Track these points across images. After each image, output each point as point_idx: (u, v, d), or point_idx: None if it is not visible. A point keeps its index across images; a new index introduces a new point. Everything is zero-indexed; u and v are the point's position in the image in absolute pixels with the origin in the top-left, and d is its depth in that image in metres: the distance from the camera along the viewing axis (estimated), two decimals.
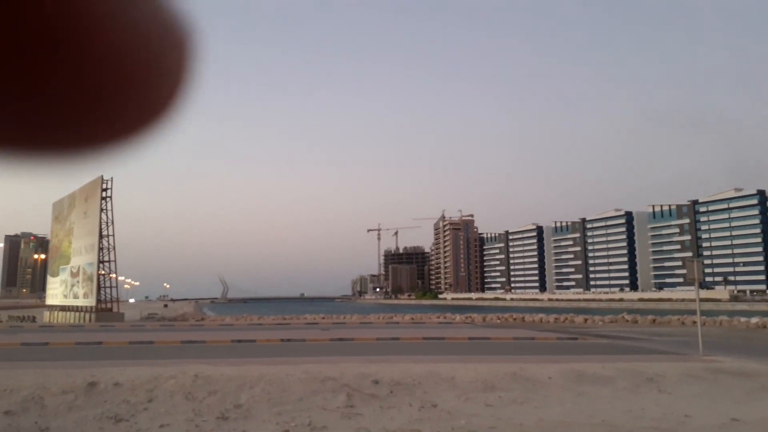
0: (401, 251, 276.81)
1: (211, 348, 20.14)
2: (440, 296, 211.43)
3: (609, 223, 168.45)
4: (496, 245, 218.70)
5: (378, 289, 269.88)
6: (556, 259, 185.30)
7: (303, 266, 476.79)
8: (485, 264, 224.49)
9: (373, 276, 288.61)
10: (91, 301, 42.94)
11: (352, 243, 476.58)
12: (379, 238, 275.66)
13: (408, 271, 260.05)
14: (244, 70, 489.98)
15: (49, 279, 57.11)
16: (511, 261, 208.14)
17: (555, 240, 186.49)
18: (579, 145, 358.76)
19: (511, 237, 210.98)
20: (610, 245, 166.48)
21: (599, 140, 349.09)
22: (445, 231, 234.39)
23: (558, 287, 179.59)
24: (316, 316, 45.57)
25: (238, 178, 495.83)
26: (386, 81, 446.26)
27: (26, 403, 7.92)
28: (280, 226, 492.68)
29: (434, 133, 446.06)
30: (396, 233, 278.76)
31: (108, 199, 44.50)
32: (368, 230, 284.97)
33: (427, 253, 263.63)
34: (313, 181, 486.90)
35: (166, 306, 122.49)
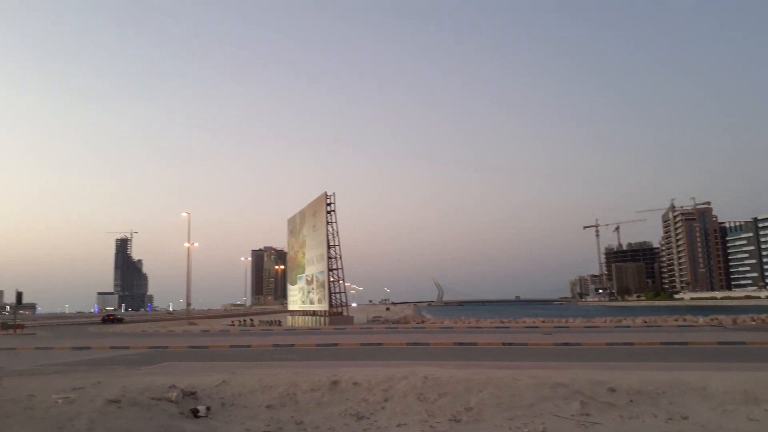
0: (624, 248, 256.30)
1: (435, 350, 20.69)
2: (675, 296, 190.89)
3: None
4: (743, 235, 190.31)
5: (601, 291, 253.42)
6: None
7: (516, 268, 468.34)
8: (730, 257, 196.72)
9: (594, 276, 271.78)
10: (324, 306, 47.36)
11: (567, 241, 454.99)
12: (597, 235, 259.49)
13: (634, 269, 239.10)
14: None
15: (289, 287, 64.53)
16: (764, 252, 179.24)
17: None
18: None
19: (761, 225, 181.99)
20: None
21: None
22: (676, 222, 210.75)
23: None
24: (536, 320, 44.28)
25: (447, 182, 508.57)
26: (610, 72, 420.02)
27: (283, 399, 8.90)
28: (491, 227, 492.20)
29: (655, 116, 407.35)
30: (617, 228, 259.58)
31: (332, 212, 48.81)
32: (584, 227, 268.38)
33: (656, 248, 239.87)
34: (522, 178, 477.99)
35: (388, 309, 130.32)
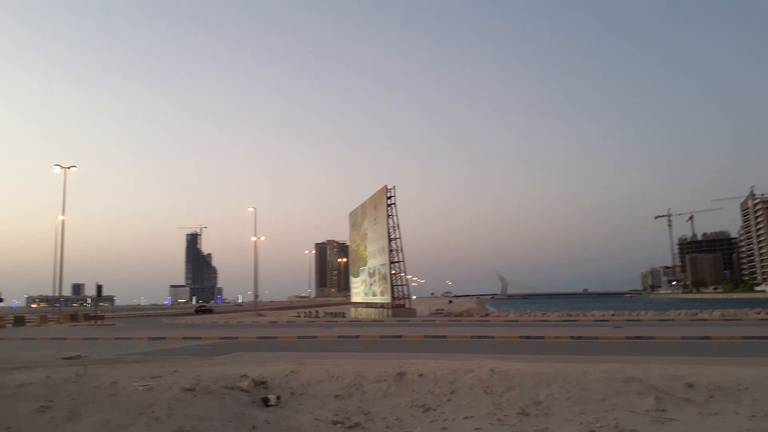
0: (699, 238, 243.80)
1: (501, 344, 20.42)
2: (756, 288, 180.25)
3: None
4: None
5: (674, 283, 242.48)
6: None
7: (584, 259, 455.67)
8: None
9: (666, 268, 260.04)
10: (387, 298, 47.65)
11: (638, 232, 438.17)
12: (669, 225, 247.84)
13: (710, 260, 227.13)
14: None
15: (352, 279, 65.33)
16: None
17: None
18: None
19: None
20: None
21: None
22: (756, 211, 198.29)
23: None
24: (605, 313, 42.90)
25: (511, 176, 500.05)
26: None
27: (350, 389, 9.02)
28: (557, 218, 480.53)
29: (730, 99, 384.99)
30: (690, 218, 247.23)
31: (393, 205, 48.95)
32: (656, 217, 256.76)
33: (734, 238, 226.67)
34: (591, 168, 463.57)
35: (450, 302, 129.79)
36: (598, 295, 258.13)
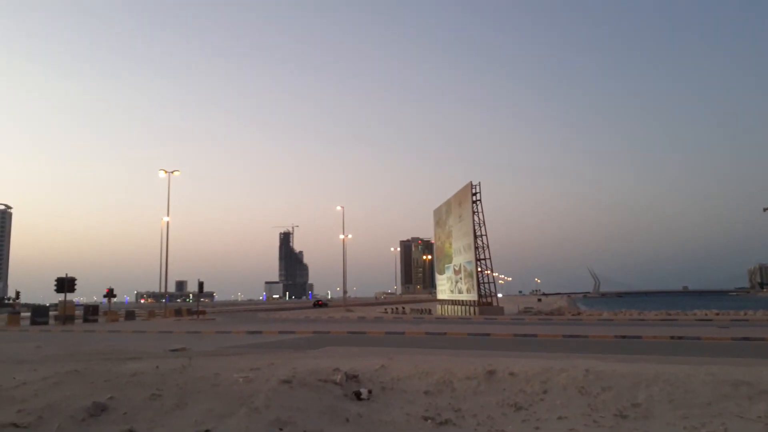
0: None
1: (594, 343, 19.68)
2: None
3: None
4: None
5: None
6: None
7: (684, 256, 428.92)
8: None
9: None
10: (473, 296, 47.17)
11: (744, 226, 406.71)
12: None
13: None
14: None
15: (437, 276, 65.19)
16: None
17: None
18: None
19: None
20: None
21: None
22: None
23: None
24: (708, 312, 40.30)
25: (602, 170, 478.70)
26: None
27: (439, 386, 9.05)
28: (655, 213, 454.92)
29: None
30: None
31: (478, 202, 48.35)
32: (765, 209, 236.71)
33: None
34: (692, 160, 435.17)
35: (539, 300, 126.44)
36: (700, 293, 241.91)
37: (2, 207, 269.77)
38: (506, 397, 8.34)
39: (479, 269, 47.20)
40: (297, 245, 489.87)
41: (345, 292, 76.35)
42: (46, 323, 41.77)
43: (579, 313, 48.86)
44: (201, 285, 55.88)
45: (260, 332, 28.62)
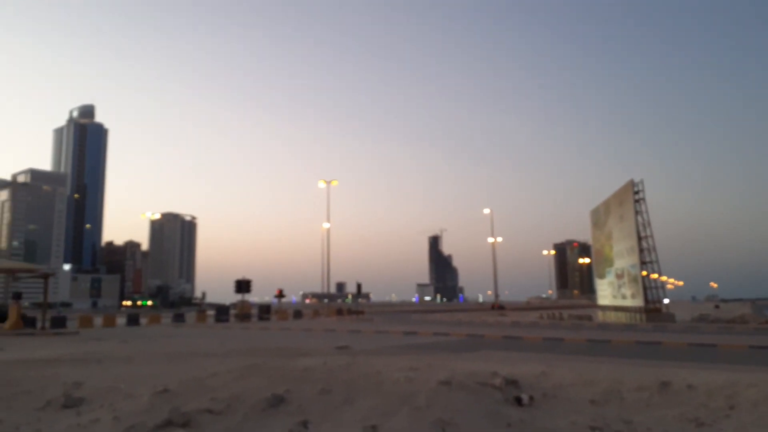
0: None
1: None
2: None
3: None
4: None
5: None
6: None
7: None
8: None
9: None
10: (638, 302, 43.80)
11: None
12: None
13: None
14: None
15: (597, 281, 61.43)
16: None
17: None
18: None
19: None
20: None
21: None
22: None
23: None
24: None
25: None
26: None
27: (607, 395, 8.57)
28: None
29: None
30: None
31: (642, 201, 44.85)
32: None
33: None
34: None
35: (717, 307, 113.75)
36: None
37: (189, 218, 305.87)
38: (685, 411, 7.67)
39: (645, 273, 43.74)
40: (445, 249, 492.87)
41: (497, 296, 75.30)
42: (227, 321, 46.64)
43: (767, 322, 43.16)
44: (359, 286, 58.52)
45: (416, 333, 29.21)
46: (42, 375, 10.44)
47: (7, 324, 33.73)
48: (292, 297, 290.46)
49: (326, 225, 59.37)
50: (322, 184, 59.35)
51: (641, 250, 43.76)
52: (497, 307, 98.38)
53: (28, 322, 35.25)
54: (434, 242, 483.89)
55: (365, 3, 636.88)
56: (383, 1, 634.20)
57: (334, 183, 59.85)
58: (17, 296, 35.93)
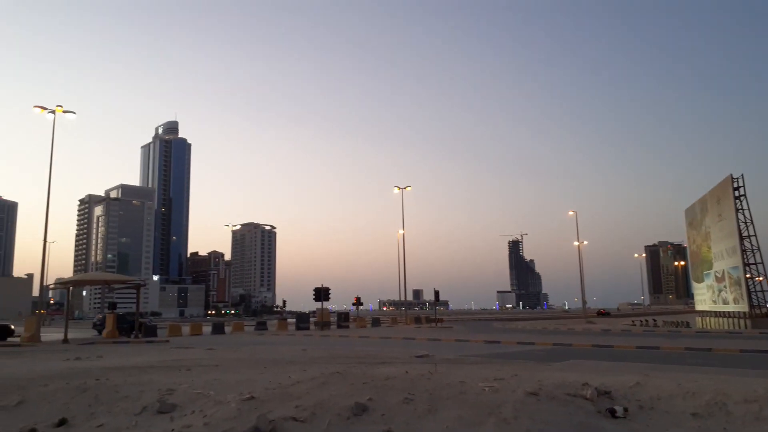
0: None
1: None
2: None
3: None
4: None
5: None
6: None
7: None
8: None
9: None
10: (742, 307, 40.79)
11: None
12: None
13: None
14: None
15: (694, 285, 57.80)
16: None
17: None
18: None
19: None
20: None
21: None
22: None
23: None
24: None
25: None
26: None
27: (710, 408, 7.93)
28: None
29: None
30: None
31: (743, 198, 41.82)
32: None
33: None
34: None
35: None
36: None
37: (269, 227, 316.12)
38: None
39: (749, 275, 40.67)
40: (527, 254, 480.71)
41: (584, 302, 72.51)
42: (308, 328, 47.69)
43: None
44: (437, 294, 58.10)
45: (498, 342, 28.55)
46: (138, 381, 10.97)
47: (104, 332, 36.07)
48: (369, 305, 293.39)
49: (401, 231, 59.55)
50: (396, 191, 59.65)
51: (743, 251, 40.79)
52: (603, 313, 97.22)
53: (123, 331, 37.51)
54: (515, 247, 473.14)
55: (439, 27, 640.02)
56: (454, 24, 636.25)
57: (408, 189, 60.04)
58: (112, 306, 38.32)
